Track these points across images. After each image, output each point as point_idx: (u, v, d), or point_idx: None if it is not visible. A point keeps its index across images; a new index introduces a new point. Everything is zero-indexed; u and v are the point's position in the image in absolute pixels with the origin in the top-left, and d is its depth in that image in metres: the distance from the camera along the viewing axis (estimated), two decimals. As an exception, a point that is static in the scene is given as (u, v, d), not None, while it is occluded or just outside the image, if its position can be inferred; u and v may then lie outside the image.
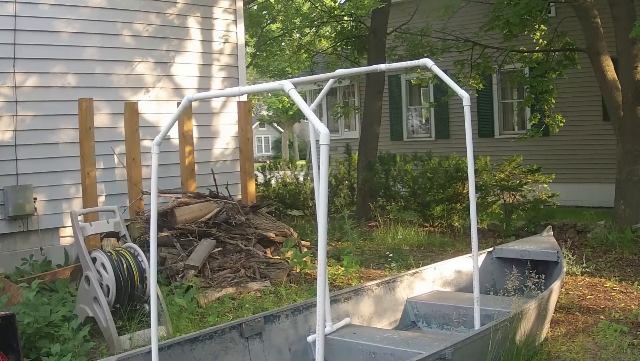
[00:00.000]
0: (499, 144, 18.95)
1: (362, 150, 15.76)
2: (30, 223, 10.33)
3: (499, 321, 5.70)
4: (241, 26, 13.00)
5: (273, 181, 17.36)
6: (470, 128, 5.83)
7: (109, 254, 7.59)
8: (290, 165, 17.48)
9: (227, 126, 12.75)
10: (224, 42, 12.73)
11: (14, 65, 10.23)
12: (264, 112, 58.68)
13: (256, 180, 17.10)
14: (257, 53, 21.74)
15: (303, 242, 10.81)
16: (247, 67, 22.84)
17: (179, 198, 10.12)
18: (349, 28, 17.81)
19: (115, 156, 10.63)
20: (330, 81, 6.24)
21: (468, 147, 5.88)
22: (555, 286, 7.01)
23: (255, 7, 19.66)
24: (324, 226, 3.82)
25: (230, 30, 12.84)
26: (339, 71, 6.07)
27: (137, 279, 7.58)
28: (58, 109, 10.51)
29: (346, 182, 16.71)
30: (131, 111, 10.12)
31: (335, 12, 17.52)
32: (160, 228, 9.49)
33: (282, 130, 58.38)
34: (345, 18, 17.88)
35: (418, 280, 7.85)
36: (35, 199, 10.29)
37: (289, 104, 42.24)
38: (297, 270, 9.73)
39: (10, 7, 10.20)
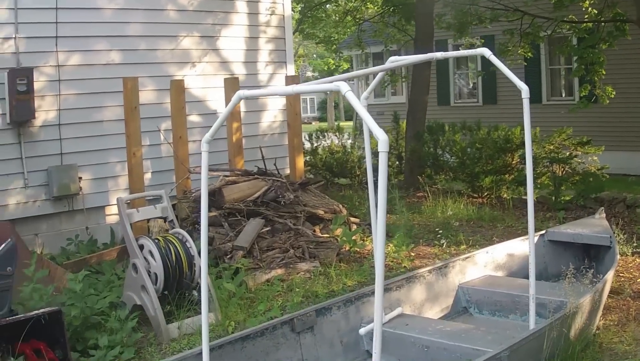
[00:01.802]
0: (547, 110, 18.66)
1: (410, 119, 15.50)
2: (75, 202, 10.26)
3: (554, 319, 5.52)
4: (288, -3, 12.76)
5: (320, 150, 17.18)
6: (529, 123, 5.59)
7: (156, 241, 7.46)
8: (337, 132, 17.24)
9: (274, 99, 12.49)
10: (271, 14, 12.44)
11: (56, 43, 10.06)
12: (309, 74, 58.28)
13: (303, 148, 17.03)
14: (303, 19, 21.42)
15: (352, 218, 10.63)
16: (293, 33, 22.64)
17: (226, 176, 9.99)
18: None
19: (161, 133, 10.52)
20: (381, 74, 6.01)
21: (527, 144, 5.67)
22: (609, 275, 6.84)
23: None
24: (382, 236, 3.63)
25: (276, 2, 12.55)
26: (392, 59, 5.86)
27: (185, 266, 7.46)
28: (102, 87, 10.36)
29: (394, 151, 16.44)
30: (177, 88, 9.97)
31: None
32: (208, 208, 9.35)
33: (327, 93, 57.96)
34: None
35: (470, 265, 7.72)
36: (80, 178, 10.21)
37: (334, 66, 41.78)
38: (347, 249, 9.57)
39: (51, -16, 10.05)
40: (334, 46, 22.47)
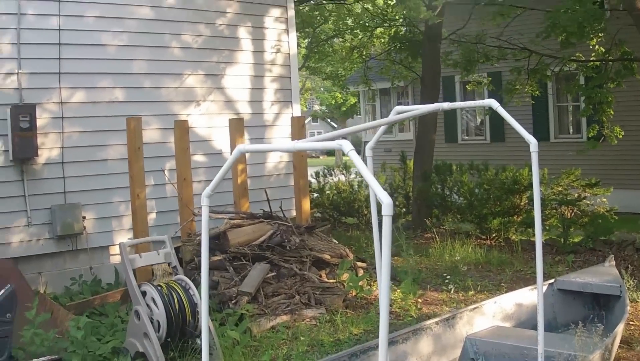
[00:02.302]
0: (554, 148, 18.59)
1: (418, 158, 15.37)
2: (79, 241, 10.11)
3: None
4: (293, 35, 12.58)
5: (328, 188, 17.03)
6: (538, 176, 5.43)
7: (159, 288, 7.32)
8: (344, 171, 17.10)
9: (280, 139, 12.28)
10: (276, 53, 12.32)
11: (60, 80, 9.97)
12: (317, 107, 58.31)
13: (309, 187, 16.86)
14: (310, 55, 21.35)
15: (359, 263, 10.43)
16: (300, 69, 22.56)
17: (232, 219, 9.83)
18: (402, 32, 17.39)
19: (165, 174, 10.38)
20: (383, 128, 5.85)
21: (535, 195, 5.50)
22: (619, 329, 6.70)
23: (306, 9, 19.28)
24: (386, 300, 3.45)
25: (281, 40, 12.42)
26: (398, 109, 5.69)
27: (188, 314, 7.31)
28: (106, 125, 10.24)
29: (401, 191, 16.29)
30: (181, 129, 9.82)
31: (389, 15, 17.09)
32: (212, 251, 9.23)
33: (335, 125, 58.01)
34: (398, 18, 17.49)
35: (478, 315, 7.53)
36: (84, 217, 10.06)
37: (341, 100, 41.77)
38: (353, 294, 9.39)
39: (54, 20, 9.93)
40: (341, 82, 22.42)
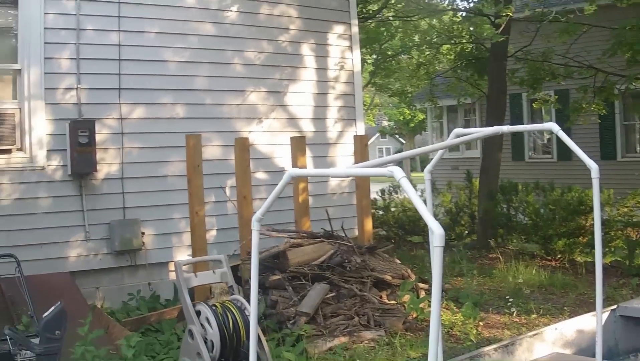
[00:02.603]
0: (621, 167, 18.20)
1: (484, 178, 15.02)
2: (138, 257, 10.06)
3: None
4: (357, 53, 12.39)
5: (393, 205, 16.76)
6: (599, 201, 5.18)
7: (213, 308, 7.16)
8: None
9: (343, 157, 12.12)
10: (340, 70, 12.14)
11: (119, 95, 9.97)
12: (385, 123, 58.13)
13: (375, 204, 16.62)
14: (376, 71, 21.15)
15: (421, 284, 10.15)
16: (365, 86, 22.38)
17: (293, 238, 9.67)
18: (468, 49, 17.12)
19: (225, 191, 10.27)
20: (441, 151, 5.66)
21: (596, 222, 5.23)
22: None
23: (373, 25, 19.12)
24: (436, 328, 3.24)
25: (345, 57, 12.25)
26: (457, 132, 5.48)
27: (243, 334, 7.11)
28: (166, 141, 10.20)
29: (466, 210, 15.93)
30: (242, 147, 9.68)
31: (455, 31, 16.86)
32: (272, 270, 9.08)
33: (403, 142, 57.82)
34: (465, 35, 17.24)
35: (537, 342, 7.23)
36: (143, 233, 10.01)
37: (409, 116, 41.52)
38: (414, 316, 9.13)
39: (114, 36, 9.95)
40: (407, 98, 22.17)
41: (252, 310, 4.50)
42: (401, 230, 16.09)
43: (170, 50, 10.45)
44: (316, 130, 11.82)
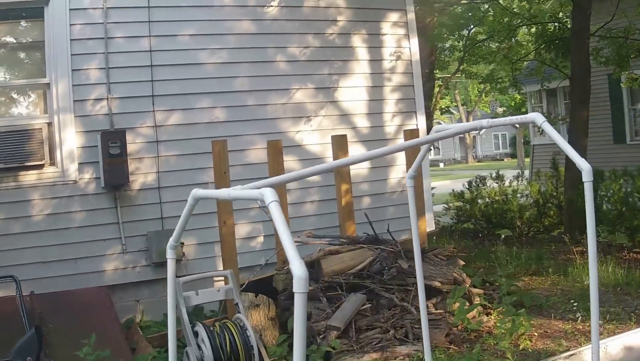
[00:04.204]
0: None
1: (569, 166, 13.96)
2: (178, 268, 9.67)
3: None
4: (414, 41, 11.58)
5: (484, 194, 15.94)
6: (593, 207, 4.41)
7: (211, 328, 6.78)
8: (497, 179, 15.90)
9: (402, 154, 11.28)
10: (396, 60, 11.37)
11: (153, 103, 9.65)
12: (500, 110, 56.53)
13: (462, 197, 15.84)
14: (465, 58, 20.18)
15: (475, 290, 9.37)
16: (454, 73, 21.45)
17: (333, 244, 9.11)
18: (551, 29, 16.01)
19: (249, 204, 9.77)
20: (423, 152, 5.09)
21: (589, 232, 4.45)
22: None
23: (459, 9, 18.23)
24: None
25: (402, 47, 11.45)
26: (437, 128, 4.86)
27: (242, 356, 6.67)
28: (206, 147, 9.69)
29: (554, 200, 14.91)
30: (275, 150, 9.17)
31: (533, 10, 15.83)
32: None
33: (517, 127, 56.16)
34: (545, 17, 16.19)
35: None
36: (182, 243, 9.67)
37: (520, 101, 40.00)
38: (461, 327, 8.38)
39: (145, 42, 9.64)
40: (499, 85, 21.04)
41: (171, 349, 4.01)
42: (488, 223, 15.22)
43: (206, 52, 10.06)
44: (372, 125, 11.14)
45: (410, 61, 11.51)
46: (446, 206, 16.71)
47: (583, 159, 4.22)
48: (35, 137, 9.12)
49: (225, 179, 8.75)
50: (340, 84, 10.95)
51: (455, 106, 64.69)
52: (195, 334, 6.76)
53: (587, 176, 4.22)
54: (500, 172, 16.17)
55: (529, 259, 11.79)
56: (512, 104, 45.42)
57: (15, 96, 9.67)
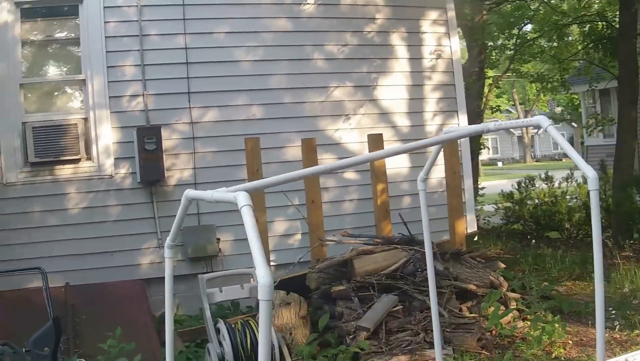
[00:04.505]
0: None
1: (617, 168, 13.65)
2: (214, 264, 9.78)
3: None
4: (455, 39, 11.42)
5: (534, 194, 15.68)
6: (598, 217, 4.17)
7: (232, 326, 6.76)
8: (546, 180, 15.63)
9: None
10: (436, 59, 11.21)
11: (189, 99, 9.70)
12: (557, 109, 55.61)
13: (511, 198, 15.61)
14: (515, 57, 19.85)
15: (512, 294, 9.16)
16: (505, 72, 21.13)
17: (368, 244, 9.02)
18: (599, 28, 15.66)
19: (286, 195, 9.63)
20: (432, 156, 4.99)
21: (595, 242, 4.27)
22: None
23: (508, 7, 17.94)
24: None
25: (442, 45, 11.28)
26: (446, 130, 4.75)
27: (262, 354, 6.64)
28: (242, 144, 9.73)
29: (602, 203, 14.58)
30: (308, 147, 9.13)
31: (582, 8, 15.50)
32: (339, 280, 8.49)
33: (575, 125, 55.31)
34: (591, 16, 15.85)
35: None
36: (218, 239, 9.72)
37: (578, 101, 39.27)
38: (495, 332, 8.20)
39: (181, 39, 9.73)
40: (550, 84, 20.62)
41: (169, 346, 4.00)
42: (536, 225, 14.96)
43: (242, 49, 10.08)
44: (412, 124, 11.01)
45: (451, 59, 11.34)
46: (495, 206, 16.47)
47: (589, 166, 3.97)
48: (71, 132, 9.26)
49: (258, 176, 8.74)
50: (380, 82, 10.85)
51: (513, 105, 63.93)
52: (218, 331, 6.74)
53: (592, 184, 3.96)
54: (550, 173, 15.87)
55: (573, 263, 11.54)
56: (569, 104, 44.62)
57: (52, 91, 9.79)
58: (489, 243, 14.25)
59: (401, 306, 8.27)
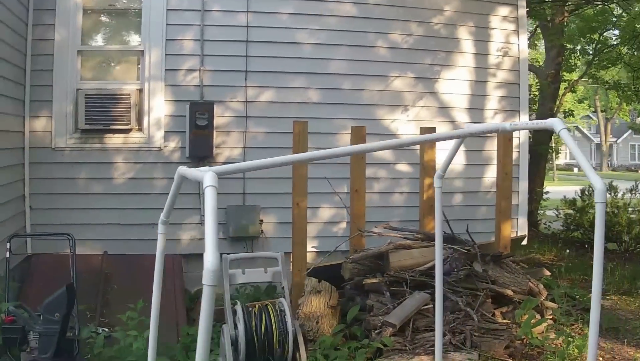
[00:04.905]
0: None
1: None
2: (255, 245, 9.76)
3: None
4: (523, 37, 11.11)
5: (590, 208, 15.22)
6: (602, 232, 3.89)
7: (249, 308, 6.71)
8: (611, 191, 15.17)
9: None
10: (503, 56, 10.90)
11: (246, 78, 9.67)
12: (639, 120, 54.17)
13: (573, 205, 15.24)
14: (593, 62, 19.22)
15: (550, 303, 8.90)
16: (581, 77, 20.55)
17: (408, 238, 8.86)
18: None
19: (330, 183, 9.48)
20: (452, 152, 4.81)
21: (596, 256, 4.03)
22: None
23: (592, 11, 17.37)
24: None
25: (510, 42, 10.97)
26: (467, 125, 4.56)
27: (275, 341, 6.56)
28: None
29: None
30: (357, 135, 8.96)
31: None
32: (373, 272, 8.35)
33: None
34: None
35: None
36: (261, 221, 9.68)
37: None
38: (525, 341, 7.95)
39: (242, 17, 9.68)
40: (627, 93, 19.90)
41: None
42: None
43: (304, 32, 9.99)
44: (472, 121, 10.65)
45: (518, 58, 11.00)
46: (556, 212, 16.10)
47: (598, 177, 3.70)
48: (123, 102, 9.32)
49: (303, 160, 8.63)
50: (442, 75, 10.62)
51: (594, 112, 62.60)
52: (234, 313, 6.69)
53: (599, 197, 3.67)
54: (615, 183, 15.41)
55: (622, 277, 11.18)
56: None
57: (109, 60, 9.87)
58: (544, 248, 13.93)
59: (432, 305, 8.10)
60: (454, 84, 10.70)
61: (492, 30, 10.91)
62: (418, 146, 9.94)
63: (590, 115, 65.35)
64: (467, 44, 10.79)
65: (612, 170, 65.40)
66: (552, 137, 18.92)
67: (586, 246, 14.16)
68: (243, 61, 9.67)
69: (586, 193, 15.35)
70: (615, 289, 10.58)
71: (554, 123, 4.07)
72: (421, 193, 9.45)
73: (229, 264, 6.96)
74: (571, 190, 17.23)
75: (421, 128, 9.52)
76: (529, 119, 12.21)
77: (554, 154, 27.97)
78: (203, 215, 9.42)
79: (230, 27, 9.68)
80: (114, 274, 8.63)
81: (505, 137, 9.50)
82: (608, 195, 15.04)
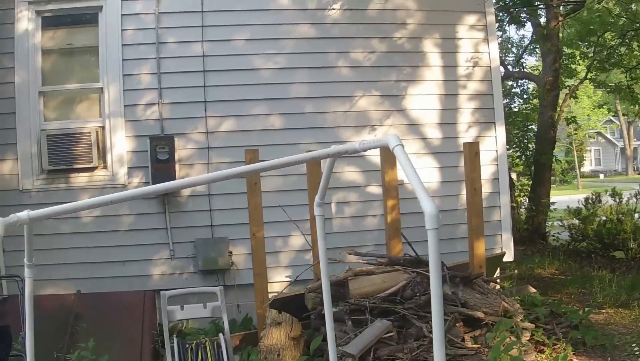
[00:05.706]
0: None
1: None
2: (227, 277, 9.66)
3: None
4: (494, 45, 10.77)
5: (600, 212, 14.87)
6: None
7: (186, 345, 6.60)
8: (615, 195, 14.80)
9: (483, 167, 9.83)
10: (473, 66, 10.62)
11: (205, 109, 9.61)
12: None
13: (578, 215, 14.91)
14: (592, 65, 18.76)
15: (526, 323, 8.49)
16: (582, 81, 20.15)
17: (371, 263, 8.64)
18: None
19: (284, 211, 9.24)
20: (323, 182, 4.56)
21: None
22: None
23: (585, 13, 16.95)
24: None
25: (479, 52, 10.66)
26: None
27: (209, 378, 6.46)
28: (260, 155, 9.60)
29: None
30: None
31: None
32: (336, 300, 8.14)
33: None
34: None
35: None
36: (230, 252, 9.56)
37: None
38: (496, 367, 7.64)
39: (198, 47, 9.65)
40: (631, 95, 19.36)
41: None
42: (600, 243, 14.16)
43: (262, 57, 9.88)
44: (444, 137, 10.48)
45: (490, 67, 10.69)
46: (560, 223, 15.74)
47: (431, 200, 3.33)
48: (86, 141, 9.35)
49: (256, 190, 8.50)
50: (409, 91, 10.39)
51: (615, 115, 61.59)
52: (172, 349, 6.60)
53: (430, 223, 2.98)
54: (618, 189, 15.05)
55: (620, 288, 10.81)
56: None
57: (70, 99, 9.86)
58: (544, 262, 13.63)
59: (392, 333, 7.86)
60: (423, 100, 10.45)
61: (460, 41, 10.63)
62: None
63: (612, 119, 64.31)
64: (434, 57, 10.54)
65: (638, 174, 64.43)
66: (554, 146, 18.47)
67: (592, 256, 13.80)
68: (201, 92, 9.60)
69: (590, 201, 14.99)
70: (612, 302, 10.21)
71: (389, 140, 3.86)
72: (385, 216, 9.20)
73: (167, 300, 6.81)
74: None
75: (381, 150, 9.27)
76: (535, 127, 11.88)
77: (576, 162, 27.48)
78: (172, 250, 9.42)
79: (186, 58, 9.63)
80: (84, 313, 8.61)
81: (471, 152, 9.21)
82: (612, 201, 14.71)
